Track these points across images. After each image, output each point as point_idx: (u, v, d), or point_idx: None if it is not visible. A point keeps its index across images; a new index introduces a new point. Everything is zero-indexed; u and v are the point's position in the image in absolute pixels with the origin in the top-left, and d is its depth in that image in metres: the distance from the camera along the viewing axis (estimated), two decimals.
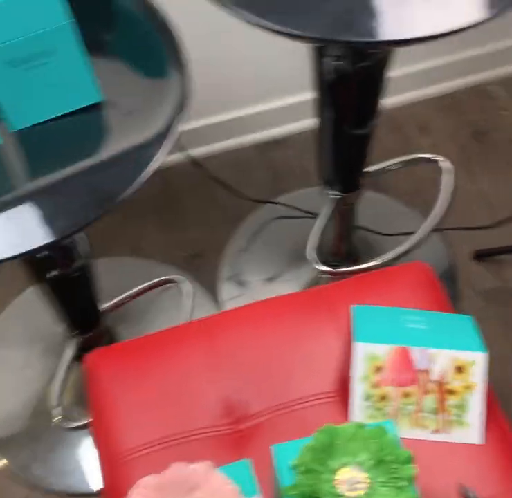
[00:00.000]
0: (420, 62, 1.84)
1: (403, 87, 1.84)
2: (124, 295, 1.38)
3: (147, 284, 1.40)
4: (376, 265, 1.45)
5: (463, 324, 0.99)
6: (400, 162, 1.54)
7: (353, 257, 1.61)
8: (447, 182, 1.45)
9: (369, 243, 1.66)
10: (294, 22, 0.98)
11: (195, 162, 1.78)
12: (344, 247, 1.61)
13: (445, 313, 1.03)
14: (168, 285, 1.46)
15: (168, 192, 1.77)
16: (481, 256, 1.67)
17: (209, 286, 1.63)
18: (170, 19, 1.04)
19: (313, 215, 1.53)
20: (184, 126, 0.96)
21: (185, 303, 1.34)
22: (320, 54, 1.20)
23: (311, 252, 1.45)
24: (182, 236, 1.72)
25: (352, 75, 1.19)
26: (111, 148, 0.94)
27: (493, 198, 1.76)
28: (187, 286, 1.38)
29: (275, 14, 0.98)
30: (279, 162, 1.83)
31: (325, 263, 1.47)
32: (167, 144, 0.93)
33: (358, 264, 1.50)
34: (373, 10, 0.98)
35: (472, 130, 1.86)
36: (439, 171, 1.51)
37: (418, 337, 0.94)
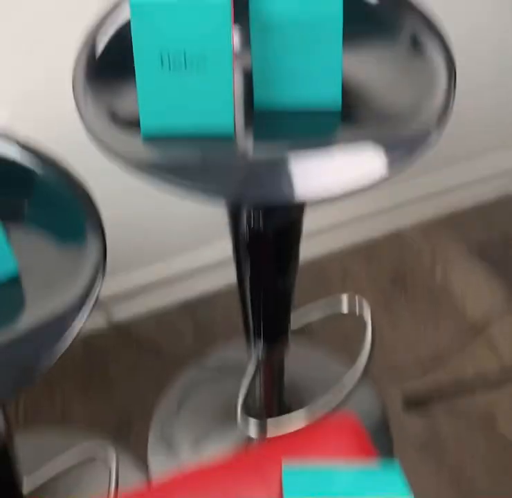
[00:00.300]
0: (336, 215, 1.89)
1: (319, 239, 1.89)
2: (47, 477, 1.33)
3: (71, 463, 1.35)
4: (306, 420, 1.43)
5: (390, 478, 0.96)
6: (323, 314, 1.56)
7: (285, 410, 1.58)
8: (368, 332, 1.46)
9: (299, 397, 1.64)
10: (199, 187, 0.98)
11: (118, 327, 1.76)
12: (275, 403, 1.59)
13: (372, 468, 1.01)
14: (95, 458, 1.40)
15: (92, 358, 1.74)
16: (411, 404, 1.66)
17: (140, 455, 1.58)
18: (85, 182, 1.04)
19: (243, 373, 1.51)
20: (104, 291, 0.95)
21: (111, 477, 1.29)
22: (233, 215, 1.23)
23: (240, 417, 1.43)
24: (109, 402, 1.68)
25: (264, 236, 1.21)
26: (25, 321, 0.91)
27: (418, 343, 1.78)
28: (112, 461, 1.33)
29: (179, 178, 0.98)
30: (205, 321, 1.82)
31: (258, 416, 1.44)
32: (84, 313, 0.91)
33: (290, 419, 1.48)
34: (276, 173, 0.99)
35: (391, 276, 1.91)
36: (362, 320, 1.53)
37: None
